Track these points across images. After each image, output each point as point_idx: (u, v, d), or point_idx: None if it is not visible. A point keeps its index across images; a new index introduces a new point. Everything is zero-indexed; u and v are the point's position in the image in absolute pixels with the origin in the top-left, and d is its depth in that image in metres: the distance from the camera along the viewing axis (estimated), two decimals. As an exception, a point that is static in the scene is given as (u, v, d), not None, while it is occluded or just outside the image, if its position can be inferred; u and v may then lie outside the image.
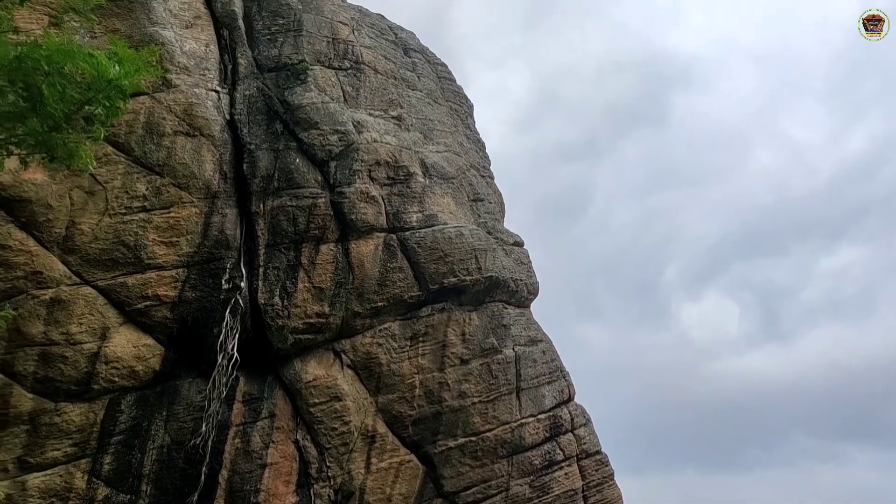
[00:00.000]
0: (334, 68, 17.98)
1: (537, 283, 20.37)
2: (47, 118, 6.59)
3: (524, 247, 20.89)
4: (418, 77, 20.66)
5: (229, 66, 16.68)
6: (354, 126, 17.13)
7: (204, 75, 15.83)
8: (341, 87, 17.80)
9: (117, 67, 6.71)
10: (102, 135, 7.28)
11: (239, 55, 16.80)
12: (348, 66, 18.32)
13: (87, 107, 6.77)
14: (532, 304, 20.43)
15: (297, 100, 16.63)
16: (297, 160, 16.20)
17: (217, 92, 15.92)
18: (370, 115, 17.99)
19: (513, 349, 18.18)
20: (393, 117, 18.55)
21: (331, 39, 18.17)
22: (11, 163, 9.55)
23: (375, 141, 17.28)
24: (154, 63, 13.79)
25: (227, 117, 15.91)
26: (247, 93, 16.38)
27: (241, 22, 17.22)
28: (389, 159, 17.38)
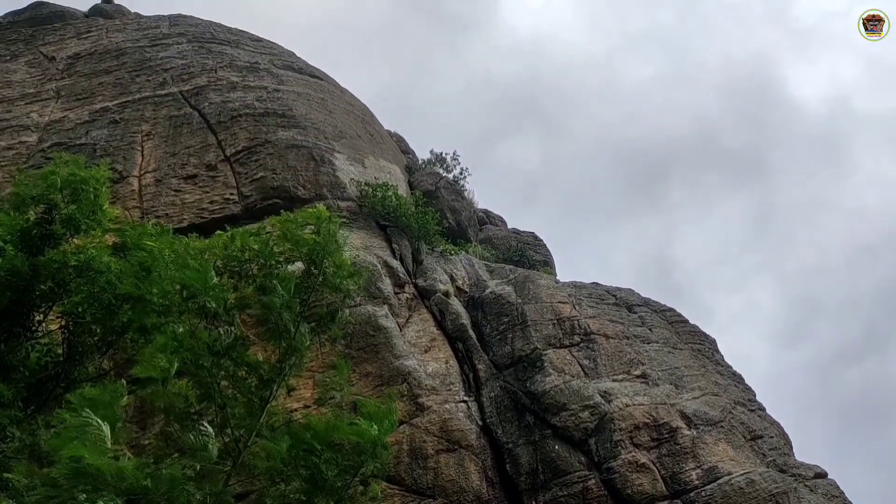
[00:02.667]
0: (566, 346, 18.26)
1: (861, 515, 17.37)
2: (331, 494, 7.16)
3: (828, 476, 18.25)
4: (650, 329, 20.38)
5: (470, 375, 17.51)
6: (602, 396, 16.84)
7: (450, 390, 16.67)
8: (578, 363, 17.89)
9: (375, 427, 7.28)
10: (380, 490, 7.72)
11: (476, 362, 17.69)
12: (578, 340, 18.56)
13: (360, 470, 7.30)
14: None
15: (540, 387, 16.85)
16: (556, 446, 15.95)
17: (465, 402, 16.59)
18: (614, 381, 17.70)
19: None
20: (637, 376, 18.11)
21: (555, 321, 18.72)
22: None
23: (628, 405, 16.76)
24: (403, 395, 14.89)
25: (480, 423, 16.33)
26: (492, 394, 16.92)
27: (471, 332, 18.40)
28: (647, 420, 16.63)
